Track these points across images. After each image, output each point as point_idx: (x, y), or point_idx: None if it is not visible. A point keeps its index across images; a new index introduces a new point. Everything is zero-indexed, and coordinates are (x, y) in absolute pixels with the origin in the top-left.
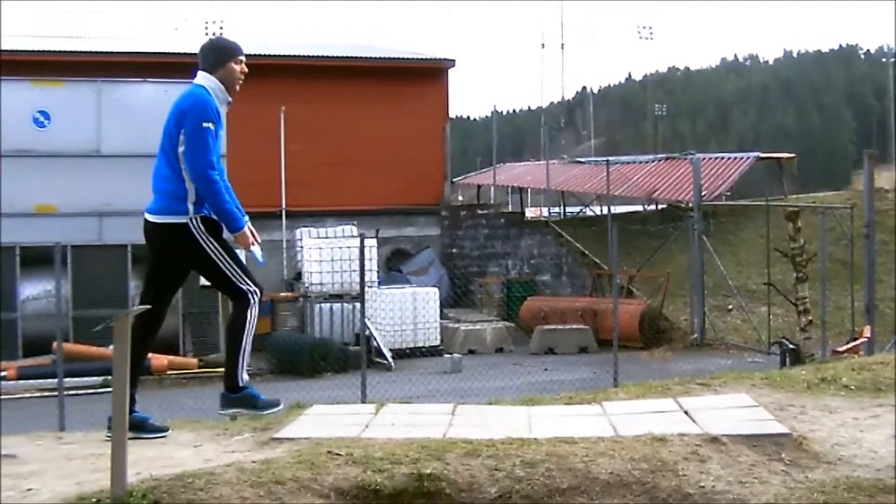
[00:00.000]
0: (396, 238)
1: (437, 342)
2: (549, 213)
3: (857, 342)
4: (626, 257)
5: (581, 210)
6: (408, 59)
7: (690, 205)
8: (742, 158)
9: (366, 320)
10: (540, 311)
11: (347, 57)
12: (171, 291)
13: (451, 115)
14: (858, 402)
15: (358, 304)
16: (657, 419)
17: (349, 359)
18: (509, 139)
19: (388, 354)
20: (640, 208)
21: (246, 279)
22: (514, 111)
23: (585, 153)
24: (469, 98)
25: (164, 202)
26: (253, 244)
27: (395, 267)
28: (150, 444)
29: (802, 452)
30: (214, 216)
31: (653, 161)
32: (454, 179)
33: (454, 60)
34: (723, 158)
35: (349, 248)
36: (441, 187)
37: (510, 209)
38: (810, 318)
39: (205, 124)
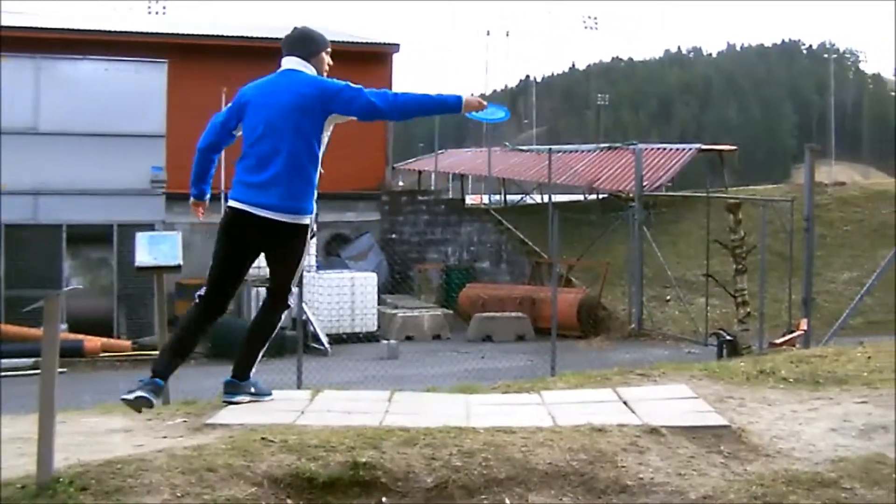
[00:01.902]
0: (336, 223)
1: (375, 328)
2: (490, 200)
3: (794, 335)
4: (566, 246)
5: (522, 198)
6: (352, 42)
7: (631, 195)
8: (684, 150)
9: (303, 305)
10: (478, 298)
11: None
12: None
13: None
14: (797, 394)
15: (296, 289)
16: (596, 409)
17: (285, 343)
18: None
19: (325, 340)
20: (580, 197)
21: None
22: None
23: (527, 141)
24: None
25: (299, 202)
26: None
27: (333, 252)
28: (80, 428)
29: (741, 445)
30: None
31: (595, 150)
32: (395, 165)
33: (398, 45)
34: (665, 149)
35: None
36: (382, 173)
37: (451, 196)
38: (748, 309)
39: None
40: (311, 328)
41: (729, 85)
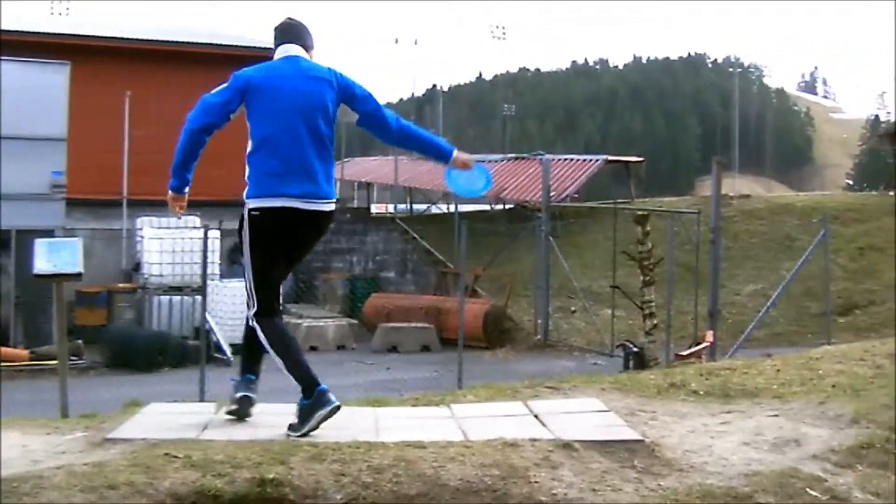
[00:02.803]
0: (236, 231)
1: None
2: (396, 209)
3: (700, 346)
4: (473, 256)
5: (428, 207)
6: (258, 47)
7: (538, 205)
8: (591, 161)
9: (206, 314)
10: (384, 308)
11: (195, 43)
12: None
13: None
14: (708, 407)
15: (198, 297)
16: (507, 423)
17: (188, 353)
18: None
19: (228, 349)
20: (487, 207)
21: None
22: None
23: None
24: None
25: (331, 185)
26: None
27: (237, 260)
28: None
29: (654, 459)
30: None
31: (502, 160)
32: None
33: None
34: (572, 160)
35: (191, 239)
36: None
37: (356, 204)
38: (655, 321)
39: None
40: (214, 337)
41: (634, 97)
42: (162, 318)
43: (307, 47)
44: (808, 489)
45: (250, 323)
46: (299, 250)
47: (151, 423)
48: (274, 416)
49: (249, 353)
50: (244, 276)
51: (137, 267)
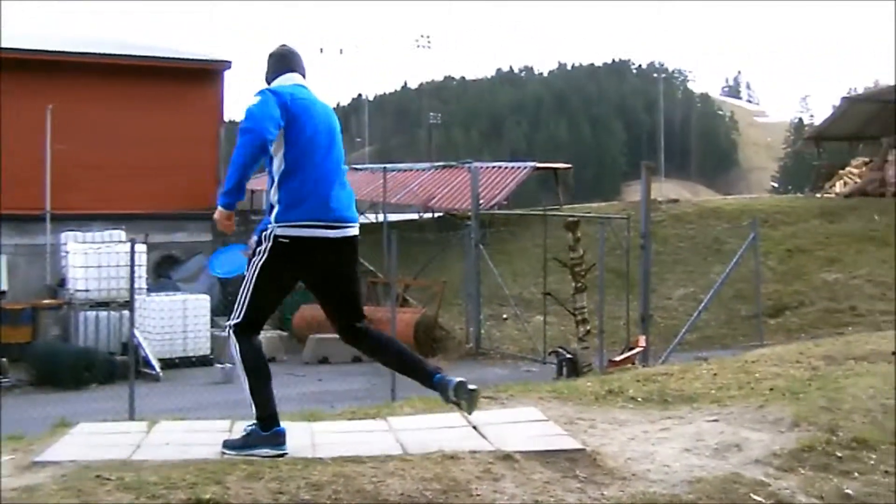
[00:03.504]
0: (166, 244)
1: (209, 351)
2: None
3: (633, 352)
4: (402, 265)
5: None
6: (182, 59)
7: (468, 213)
8: (519, 168)
9: (134, 329)
10: (314, 319)
11: (119, 55)
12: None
13: (227, 118)
14: (647, 414)
15: (126, 312)
16: (446, 435)
17: (116, 369)
18: None
19: (157, 364)
20: (416, 216)
21: None
22: None
23: (360, 160)
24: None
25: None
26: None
27: (164, 274)
28: None
29: (596, 468)
30: None
31: (430, 169)
32: None
33: (230, 62)
34: (500, 168)
35: (117, 253)
36: (214, 192)
37: None
38: (588, 327)
39: None
40: (142, 353)
41: (560, 104)
42: (89, 333)
43: (304, 76)
44: (751, 494)
45: (227, 332)
46: (336, 275)
47: (81, 444)
48: (208, 433)
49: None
50: (242, 288)
51: (62, 282)
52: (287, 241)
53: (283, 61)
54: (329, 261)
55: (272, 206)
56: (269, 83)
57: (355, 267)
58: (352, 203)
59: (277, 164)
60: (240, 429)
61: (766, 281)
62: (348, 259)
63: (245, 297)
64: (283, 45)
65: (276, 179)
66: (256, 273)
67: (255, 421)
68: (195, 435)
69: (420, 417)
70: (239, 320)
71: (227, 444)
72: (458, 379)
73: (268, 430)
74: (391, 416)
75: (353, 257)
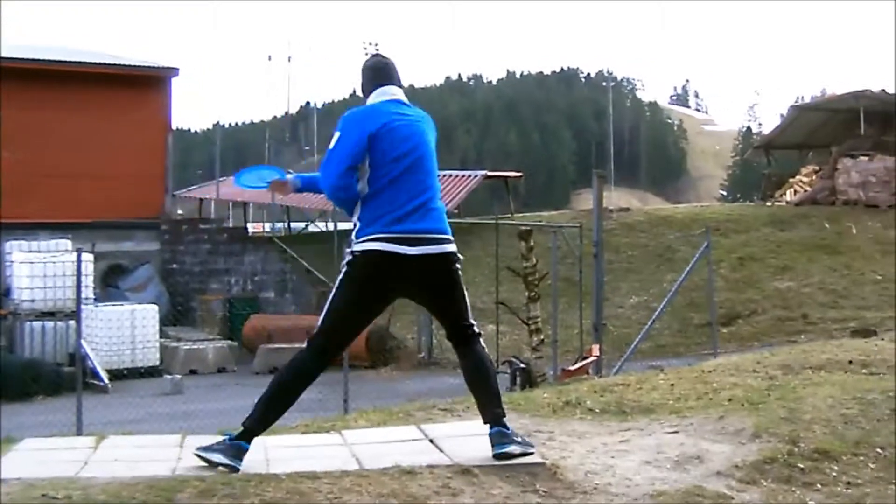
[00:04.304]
0: (114, 253)
1: (157, 362)
2: (273, 228)
3: (587, 361)
4: None
5: (306, 226)
6: (128, 66)
7: None
8: (470, 176)
9: (81, 339)
10: (264, 329)
11: (65, 62)
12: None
13: (174, 126)
14: (606, 426)
15: (72, 323)
16: (402, 449)
17: (62, 381)
18: (232, 152)
19: (105, 375)
20: None
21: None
22: (237, 124)
23: (309, 168)
24: (193, 109)
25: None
26: None
27: (111, 283)
28: None
29: (557, 482)
30: None
31: None
32: (175, 193)
33: (177, 69)
34: (451, 176)
35: (63, 262)
36: (161, 200)
37: (232, 224)
38: (542, 337)
39: None
40: (90, 364)
41: (509, 112)
42: (34, 344)
43: (401, 86)
44: None
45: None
46: (425, 291)
47: (27, 460)
48: (158, 448)
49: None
50: (324, 308)
51: (7, 292)
52: (360, 255)
53: (379, 75)
54: (409, 277)
55: (354, 226)
56: (365, 97)
57: (445, 281)
58: (436, 222)
59: (362, 187)
60: (192, 443)
61: (718, 289)
62: (432, 275)
63: (323, 317)
64: (377, 56)
65: (360, 201)
66: (334, 292)
67: (240, 428)
68: (145, 451)
69: (375, 430)
70: (314, 333)
71: (204, 448)
72: (506, 450)
73: (238, 440)
74: (345, 429)
75: (435, 274)
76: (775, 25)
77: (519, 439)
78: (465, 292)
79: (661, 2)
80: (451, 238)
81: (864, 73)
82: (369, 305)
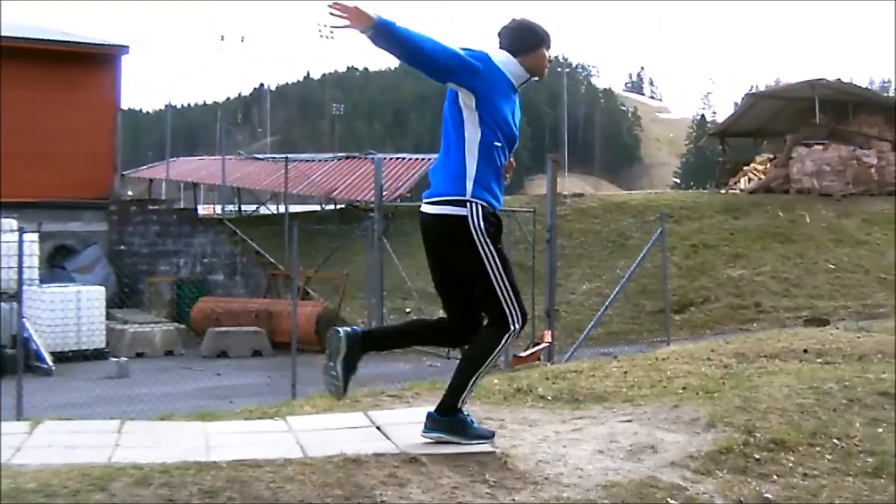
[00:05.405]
0: (60, 233)
1: (103, 345)
2: (224, 210)
3: (539, 347)
4: (304, 257)
5: (257, 208)
6: (76, 42)
7: (370, 205)
8: (424, 160)
9: (24, 321)
10: (212, 312)
11: (10, 37)
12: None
13: (124, 105)
14: (558, 414)
15: (15, 304)
16: (349, 437)
17: (4, 363)
18: (184, 133)
19: (49, 358)
20: (317, 207)
21: (515, 300)
22: (189, 105)
23: (262, 150)
24: (144, 89)
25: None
26: None
27: (58, 264)
28: None
29: (507, 472)
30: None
31: (333, 160)
32: (124, 173)
33: (127, 47)
34: (404, 159)
35: (6, 242)
36: (110, 181)
37: (183, 205)
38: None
39: None
40: (33, 346)
41: None
42: None
43: (519, 50)
44: (668, 499)
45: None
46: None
47: None
48: (94, 434)
49: None
50: (497, 291)
51: None
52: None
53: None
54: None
55: None
56: None
57: (434, 248)
58: (434, 182)
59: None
60: (130, 429)
61: (672, 276)
62: (426, 238)
63: (508, 296)
64: (512, 20)
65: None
66: (496, 262)
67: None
68: (81, 436)
69: (321, 417)
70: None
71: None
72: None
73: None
74: (291, 415)
75: (429, 238)
76: (731, 14)
77: (475, 426)
78: (486, 271)
79: None
80: (433, 200)
81: (819, 62)
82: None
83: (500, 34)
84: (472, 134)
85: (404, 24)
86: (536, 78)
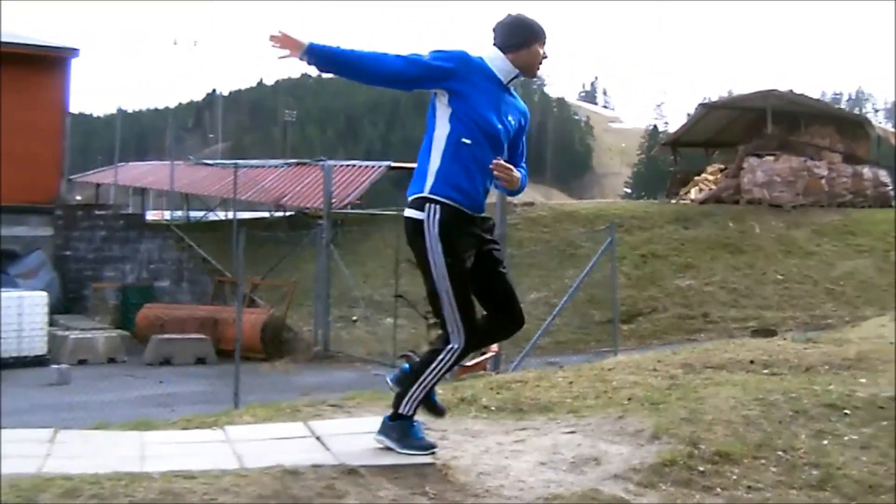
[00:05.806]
0: (5, 238)
1: (45, 351)
2: (172, 216)
3: (485, 356)
4: (251, 264)
5: (205, 214)
6: (24, 44)
7: (319, 212)
8: (373, 167)
9: None
10: (157, 319)
11: None
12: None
13: (74, 109)
14: (501, 424)
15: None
16: (287, 447)
17: None
18: (134, 138)
19: None
20: (267, 214)
21: (460, 317)
22: (140, 110)
23: (212, 156)
24: (95, 93)
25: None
26: None
27: (1, 269)
28: None
29: (447, 484)
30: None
31: (283, 166)
32: (72, 177)
33: (77, 50)
34: (354, 166)
35: None
36: (57, 185)
37: (131, 211)
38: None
39: None
40: None
41: (416, 104)
42: None
43: (509, 47)
44: None
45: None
46: None
47: None
48: (26, 443)
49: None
50: (441, 302)
51: None
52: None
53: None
54: None
55: None
56: None
57: (415, 250)
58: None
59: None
60: (63, 438)
61: (620, 286)
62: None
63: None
64: (507, 15)
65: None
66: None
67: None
68: (12, 446)
69: (260, 427)
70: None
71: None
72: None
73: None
74: (230, 424)
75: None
76: (685, 25)
77: (418, 435)
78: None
79: (571, 1)
80: (412, 202)
81: (771, 73)
82: None
83: (494, 29)
84: (442, 130)
85: (347, 46)
86: (528, 76)
